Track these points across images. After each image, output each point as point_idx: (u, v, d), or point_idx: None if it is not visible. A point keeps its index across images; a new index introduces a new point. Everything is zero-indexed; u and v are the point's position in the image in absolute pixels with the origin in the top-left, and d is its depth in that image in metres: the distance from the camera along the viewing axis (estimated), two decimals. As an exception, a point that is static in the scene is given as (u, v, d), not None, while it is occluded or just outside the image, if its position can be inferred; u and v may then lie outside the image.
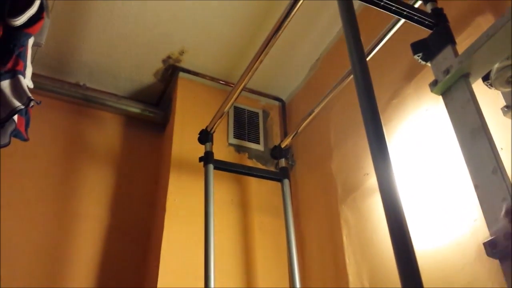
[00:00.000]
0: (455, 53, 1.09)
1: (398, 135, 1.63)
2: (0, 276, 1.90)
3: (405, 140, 1.61)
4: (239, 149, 2.40)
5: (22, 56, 1.21)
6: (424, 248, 1.40)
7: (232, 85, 2.54)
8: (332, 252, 1.92)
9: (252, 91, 2.63)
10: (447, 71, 1.06)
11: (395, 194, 0.84)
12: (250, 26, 2.27)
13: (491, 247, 0.87)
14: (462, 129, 1.01)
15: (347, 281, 1.75)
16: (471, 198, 1.30)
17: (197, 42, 2.35)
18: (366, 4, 1.18)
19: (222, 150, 2.30)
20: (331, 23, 2.24)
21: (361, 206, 1.79)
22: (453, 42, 1.12)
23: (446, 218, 1.38)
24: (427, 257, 1.38)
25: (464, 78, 1.04)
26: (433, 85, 1.09)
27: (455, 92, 1.05)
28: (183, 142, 2.27)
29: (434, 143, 1.48)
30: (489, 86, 1.18)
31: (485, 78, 1.16)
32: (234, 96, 1.88)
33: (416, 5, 1.34)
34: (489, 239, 0.87)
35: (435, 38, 1.16)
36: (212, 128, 2.05)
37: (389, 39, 1.53)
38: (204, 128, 2.09)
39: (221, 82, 2.57)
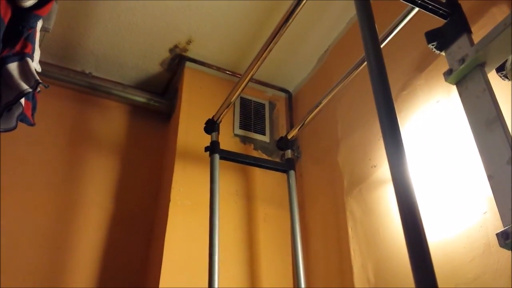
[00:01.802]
0: (471, 42, 1.07)
1: (408, 126, 1.61)
2: (1, 263, 1.90)
3: (415, 132, 1.59)
4: (244, 140, 2.39)
5: (30, 38, 1.20)
6: (433, 239, 1.39)
7: (238, 75, 2.53)
8: (337, 244, 1.91)
9: (259, 82, 2.61)
10: (462, 60, 1.04)
11: (408, 186, 0.82)
12: (258, 17, 2.25)
13: (504, 238, 0.86)
14: (477, 119, 0.99)
15: (352, 273, 1.74)
16: (481, 190, 1.29)
17: (205, 31, 2.33)
18: (380, -9, 1.16)
19: (227, 141, 2.29)
20: (339, 15, 2.22)
21: (367, 199, 1.77)
22: (469, 31, 1.10)
23: (455, 210, 1.37)
24: (435, 249, 1.36)
25: (480, 67, 1.02)
26: (448, 74, 1.07)
27: (470, 81, 1.04)
28: (189, 132, 2.26)
29: (444, 135, 1.47)
30: (503, 77, 1.16)
31: (499, 69, 1.14)
32: (241, 87, 1.87)
33: (430, -6, 1.31)
34: (502, 229, 0.86)
35: (451, 27, 1.14)
36: (219, 118, 2.03)
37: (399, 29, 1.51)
38: (210, 118, 2.08)
39: (227, 72, 2.56)
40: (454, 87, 1.10)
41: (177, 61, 2.50)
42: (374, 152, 1.78)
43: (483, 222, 1.27)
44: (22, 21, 1.13)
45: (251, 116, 2.49)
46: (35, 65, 1.24)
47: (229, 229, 2.06)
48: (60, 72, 2.39)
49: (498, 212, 0.88)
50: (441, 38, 1.14)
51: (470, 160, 1.33)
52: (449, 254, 1.33)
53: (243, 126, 2.42)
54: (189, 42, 2.40)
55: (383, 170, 1.71)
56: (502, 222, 0.86)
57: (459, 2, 1.23)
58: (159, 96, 2.64)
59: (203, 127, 2.08)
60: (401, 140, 0.87)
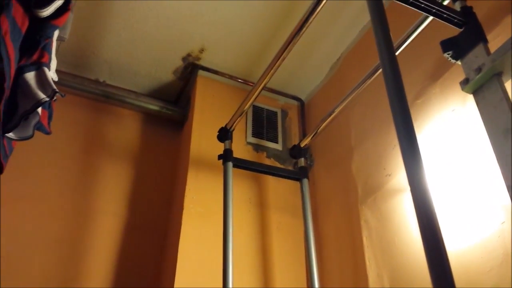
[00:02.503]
0: (487, 51, 1.07)
1: (423, 135, 1.60)
2: (17, 270, 1.91)
3: (431, 140, 1.57)
4: (257, 148, 2.39)
5: (47, 48, 1.21)
6: (450, 249, 1.37)
7: (250, 83, 2.53)
8: (351, 253, 1.89)
9: (271, 90, 2.61)
10: (479, 70, 1.04)
11: (426, 196, 0.81)
12: (270, 25, 2.26)
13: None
14: (494, 129, 0.98)
15: (367, 283, 1.72)
16: (498, 200, 1.27)
17: (217, 40, 2.35)
18: (395, 1, 1.16)
19: (240, 149, 2.29)
20: (352, 22, 2.22)
21: (382, 208, 1.76)
22: (485, 40, 1.10)
23: (472, 220, 1.35)
24: (453, 259, 1.34)
25: (497, 76, 1.02)
26: (464, 83, 1.07)
27: (487, 91, 1.03)
28: (202, 140, 2.27)
29: (460, 144, 1.45)
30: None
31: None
32: (254, 95, 1.87)
33: (445, 3, 1.31)
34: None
35: (466, 36, 1.13)
36: (232, 126, 2.04)
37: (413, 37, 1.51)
38: (222, 126, 2.08)
39: (239, 80, 2.56)
40: (470, 95, 1.09)
41: (190, 69, 2.51)
42: (389, 161, 1.77)
43: (501, 232, 1.25)
44: (39, 31, 1.14)
45: (264, 124, 2.49)
46: (51, 74, 1.25)
47: (243, 237, 2.05)
48: (74, 81, 2.41)
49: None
50: (456, 47, 1.13)
51: (487, 169, 1.32)
52: (466, 264, 1.31)
53: (256, 134, 2.43)
54: (201, 50, 2.41)
55: (398, 179, 1.69)
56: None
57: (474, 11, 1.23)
58: (172, 104, 2.66)
59: (215, 135, 2.09)
60: (418, 149, 0.87)
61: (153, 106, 2.59)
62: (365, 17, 2.17)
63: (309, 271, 1.90)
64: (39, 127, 1.28)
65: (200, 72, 2.49)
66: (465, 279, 1.30)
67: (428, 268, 0.75)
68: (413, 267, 1.53)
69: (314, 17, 1.53)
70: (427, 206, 0.80)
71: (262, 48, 2.38)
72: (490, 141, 0.98)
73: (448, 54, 1.15)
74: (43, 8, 1.10)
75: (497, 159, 0.96)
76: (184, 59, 2.46)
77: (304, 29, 1.58)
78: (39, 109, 1.22)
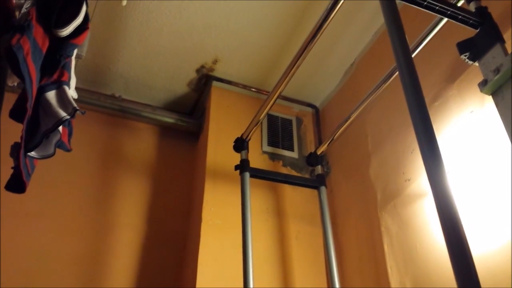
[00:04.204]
0: (505, 51, 1.06)
1: (442, 138, 1.58)
2: (37, 287, 1.93)
3: (450, 143, 1.56)
4: (273, 156, 2.39)
5: (67, 67, 1.24)
6: (474, 253, 1.35)
7: (265, 92, 2.54)
8: (373, 261, 1.87)
9: (285, 98, 2.62)
10: (497, 70, 1.03)
11: (449, 199, 0.80)
12: (283, 34, 2.27)
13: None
14: (516, 129, 0.97)
15: (390, 291, 1.70)
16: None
17: (230, 50, 2.36)
18: (409, 4, 1.15)
19: (256, 158, 2.29)
20: (365, 27, 2.21)
21: (402, 213, 1.74)
22: (502, 40, 1.09)
23: (495, 222, 1.33)
24: (478, 262, 1.32)
25: (516, 76, 1.00)
26: (483, 84, 1.06)
27: (506, 91, 1.02)
28: (218, 150, 2.28)
29: (480, 146, 1.43)
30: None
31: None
32: (270, 104, 1.87)
33: (459, 4, 1.30)
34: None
35: (483, 37, 1.13)
36: (248, 136, 2.04)
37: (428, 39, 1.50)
38: (238, 136, 2.09)
39: (253, 89, 2.57)
40: (488, 96, 1.08)
41: (204, 81, 2.53)
42: (407, 166, 1.75)
43: (525, 234, 1.23)
44: (59, 50, 1.16)
45: (279, 133, 2.49)
46: (71, 92, 1.27)
47: (262, 247, 2.04)
48: (91, 97, 2.45)
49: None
50: (473, 49, 1.12)
51: (508, 171, 1.30)
52: (492, 268, 1.29)
53: (271, 143, 2.43)
54: (215, 61, 2.43)
55: (417, 183, 1.67)
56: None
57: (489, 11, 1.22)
58: (187, 116, 2.68)
59: (231, 145, 2.09)
60: (440, 153, 0.86)
61: (169, 118, 2.61)
62: (377, 22, 2.16)
63: (330, 280, 1.88)
64: (60, 144, 1.30)
65: (214, 83, 2.50)
66: (492, 283, 1.28)
67: (453, 273, 0.74)
68: (436, 273, 1.50)
69: (328, 23, 1.53)
70: (450, 210, 0.79)
71: (275, 57, 2.39)
72: (511, 141, 0.97)
73: (465, 56, 1.14)
74: (63, 28, 1.12)
75: (520, 160, 0.94)
76: (198, 70, 2.48)
77: (318, 36, 1.57)
78: (60, 127, 1.24)
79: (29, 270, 1.96)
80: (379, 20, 2.14)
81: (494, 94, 1.05)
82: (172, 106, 2.69)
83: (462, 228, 0.77)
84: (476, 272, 0.73)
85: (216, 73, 2.50)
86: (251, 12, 2.16)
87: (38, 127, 1.16)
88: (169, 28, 2.22)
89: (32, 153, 1.21)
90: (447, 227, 0.78)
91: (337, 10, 1.48)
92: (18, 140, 1.12)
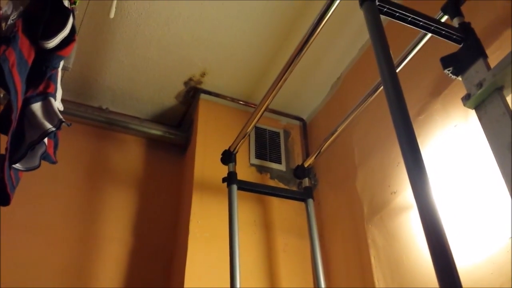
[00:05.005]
0: (487, 66, 1.08)
1: (426, 151, 1.60)
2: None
3: (435, 157, 1.57)
4: (261, 169, 2.39)
5: (53, 78, 1.23)
6: (459, 266, 1.36)
7: (252, 105, 2.55)
8: (360, 274, 1.87)
9: (273, 111, 2.63)
10: (480, 85, 1.05)
11: (434, 212, 0.81)
12: (270, 47, 2.29)
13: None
14: (498, 143, 0.99)
15: (377, 303, 1.70)
16: (505, 215, 1.26)
17: (218, 63, 2.37)
18: (394, 20, 1.17)
19: (244, 171, 2.29)
20: (351, 42, 2.24)
21: (389, 226, 1.75)
22: (484, 55, 1.11)
23: (479, 236, 1.34)
24: (462, 275, 1.33)
25: (498, 91, 1.02)
26: (466, 99, 1.07)
27: (489, 105, 1.04)
28: (205, 163, 2.27)
29: (464, 160, 1.45)
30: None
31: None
32: (257, 117, 1.88)
33: (442, 20, 1.33)
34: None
35: (466, 52, 1.15)
36: (235, 148, 2.04)
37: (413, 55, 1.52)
38: (226, 148, 2.09)
39: (241, 102, 2.58)
40: (472, 110, 1.10)
41: (192, 93, 2.54)
42: (393, 178, 1.77)
43: (509, 246, 1.24)
44: (45, 62, 1.16)
45: (267, 145, 2.49)
46: (57, 104, 1.26)
47: (249, 260, 2.04)
48: (77, 109, 2.44)
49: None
50: (457, 63, 1.14)
51: (492, 184, 1.31)
52: (476, 281, 1.30)
53: (259, 155, 2.43)
54: (203, 74, 2.44)
55: (403, 196, 1.69)
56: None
57: (472, 26, 1.24)
58: (174, 128, 2.67)
59: (219, 157, 2.09)
60: (424, 166, 0.87)
61: (156, 131, 2.60)
62: (363, 37, 2.19)
63: (318, 292, 1.87)
64: (45, 157, 1.29)
65: (202, 95, 2.51)
66: (477, 296, 1.29)
67: (438, 285, 0.74)
68: (422, 285, 1.51)
69: (315, 37, 1.55)
70: (435, 223, 0.80)
71: (263, 70, 2.41)
72: (494, 156, 0.98)
73: (449, 70, 1.16)
74: (49, 40, 1.12)
75: (502, 173, 0.96)
76: (186, 83, 2.48)
77: (305, 49, 1.59)
78: (45, 139, 1.23)
79: (14, 283, 1.92)
80: (365, 35, 2.16)
81: (477, 108, 1.07)
82: (160, 118, 2.69)
83: (447, 240, 0.78)
84: (461, 284, 0.74)
85: (204, 86, 2.51)
86: (239, 26, 2.18)
87: (23, 139, 1.15)
88: (157, 40, 2.22)
89: (17, 165, 1.20)
90: (432, 240, 0.79)
91: (324, 25, 1.50)
92: (3, 152, 1.11)
